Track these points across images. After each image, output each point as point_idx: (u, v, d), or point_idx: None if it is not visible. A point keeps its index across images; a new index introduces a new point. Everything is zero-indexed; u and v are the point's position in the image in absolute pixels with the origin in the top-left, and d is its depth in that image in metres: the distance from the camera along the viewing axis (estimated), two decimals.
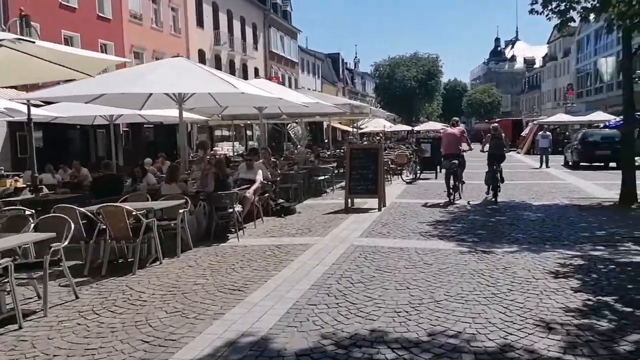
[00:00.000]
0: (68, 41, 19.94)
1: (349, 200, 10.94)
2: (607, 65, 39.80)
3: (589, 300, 4.75)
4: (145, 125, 24.75)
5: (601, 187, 13.94)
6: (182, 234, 7.25)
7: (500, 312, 4.49)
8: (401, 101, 61.94)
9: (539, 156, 22.00)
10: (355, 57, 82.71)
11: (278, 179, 11.13)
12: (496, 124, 13.33)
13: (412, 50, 66.93)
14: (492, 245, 7.10)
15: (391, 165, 16.73)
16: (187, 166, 11.01)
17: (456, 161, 11.35)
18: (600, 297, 4.81)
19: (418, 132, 52.45)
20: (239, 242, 7.94)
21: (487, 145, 11.87)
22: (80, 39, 20.66)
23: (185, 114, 15.21)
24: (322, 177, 13.75)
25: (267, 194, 10.07)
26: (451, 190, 11.39)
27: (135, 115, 13.47)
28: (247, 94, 8.30)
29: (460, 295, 5.00)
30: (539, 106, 75.99)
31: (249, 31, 37.34)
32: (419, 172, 16.41)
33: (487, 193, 11.60)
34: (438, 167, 18.31)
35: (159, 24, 26.35)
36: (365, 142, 32.88)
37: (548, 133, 23.12)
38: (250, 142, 38.06)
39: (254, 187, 9.03)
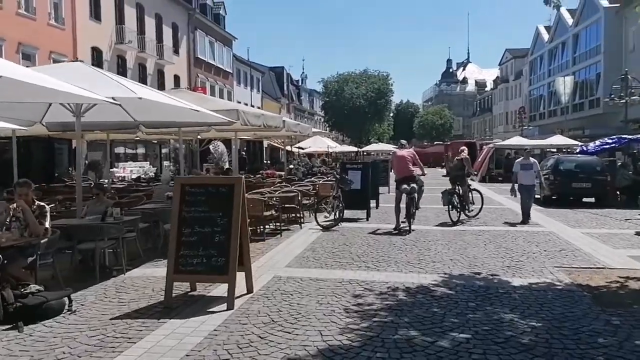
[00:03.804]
0: None
1: (182, 285, 5.86)
2: (564, 84, 36.72)
3: None
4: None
5: (598, 240, 9.53)
6: None
7: None
8: (349, 120, 57.68)
9: (515, 194, 12.18)
10: (303, 72, 78.53)
11: (43, 240, 5.83)
12: (464, 147, 13.89)
13: (363, 68, 62.83)
14: None
15: (303, 202, 11.77)
16: None
17: (414, 185, 10.70)
18: None
19: (367, 153, 48.12)
20: None
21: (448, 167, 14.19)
22: None
23: None
24: None
25: None
26: (401, 222, 10.53)
27: None
28: None
29: None
30: (491, 129, 73.73)
31: (167, 31, 31.88)
32: (339, 211, 11.39)
33: (451, 218, 11.54)
34: (372, 201, 13.58)
35: (30, 9, 20.41)
36: (289, 164, 27.92)
37: (532, 160, 12.36)
38: (165, 163, 32.29)
39: None
